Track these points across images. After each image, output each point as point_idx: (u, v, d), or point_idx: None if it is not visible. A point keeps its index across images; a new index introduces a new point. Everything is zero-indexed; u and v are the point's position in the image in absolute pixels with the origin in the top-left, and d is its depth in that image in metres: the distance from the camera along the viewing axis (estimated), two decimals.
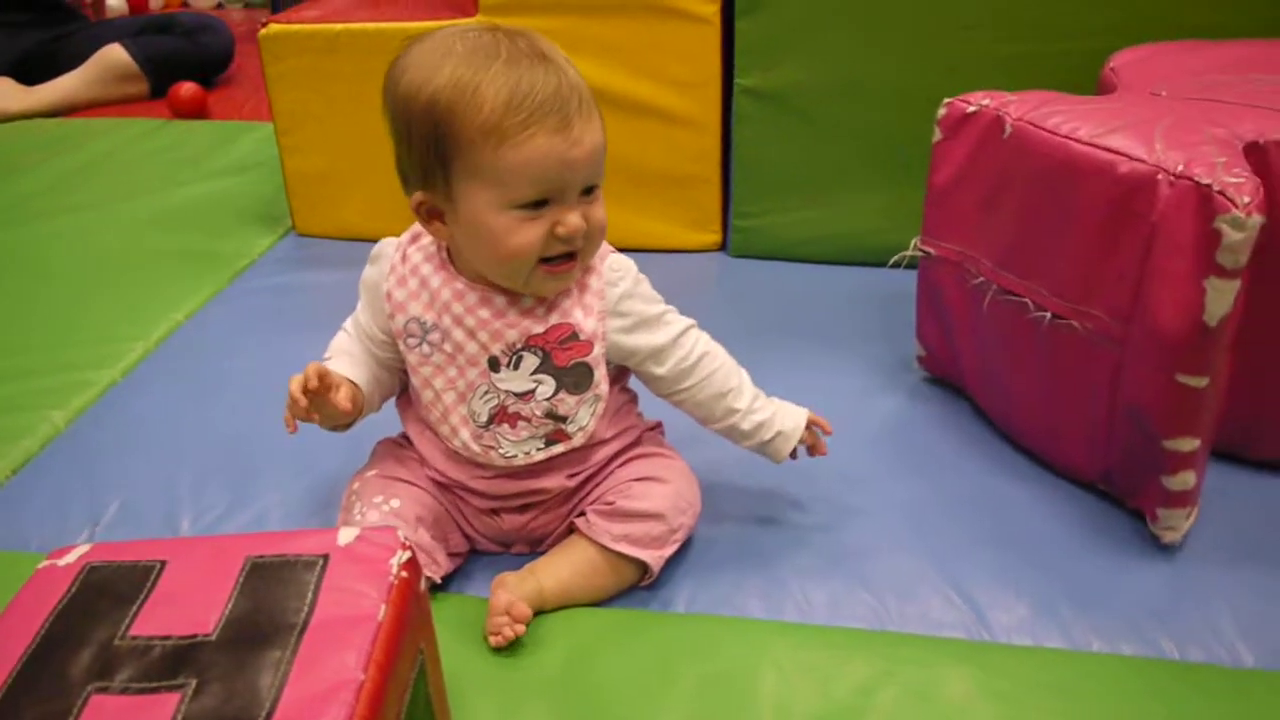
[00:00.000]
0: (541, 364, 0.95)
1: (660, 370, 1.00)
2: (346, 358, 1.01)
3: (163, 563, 0.74)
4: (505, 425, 0.97)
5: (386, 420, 1.07)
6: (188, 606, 0.70)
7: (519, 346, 0.95)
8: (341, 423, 0.99)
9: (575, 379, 0.96)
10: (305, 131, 1.74)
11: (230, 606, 0.69)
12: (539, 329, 0.95)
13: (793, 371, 1.35)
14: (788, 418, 1.04)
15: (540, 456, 0.98)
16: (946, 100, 1.17)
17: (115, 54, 2.66)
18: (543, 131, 0.85)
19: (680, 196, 1.69)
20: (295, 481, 1.17)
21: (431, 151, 0.88)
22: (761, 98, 1.57)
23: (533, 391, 0.96)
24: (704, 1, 1.54)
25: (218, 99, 2.67)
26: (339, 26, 1.66)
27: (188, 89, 2.55)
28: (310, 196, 1.80)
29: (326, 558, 0.73)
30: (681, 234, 1.72)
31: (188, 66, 2.73)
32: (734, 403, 1.02)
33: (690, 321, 1.02)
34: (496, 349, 0.95)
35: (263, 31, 1.70)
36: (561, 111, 0.86)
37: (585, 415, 0.97)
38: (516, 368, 0.95)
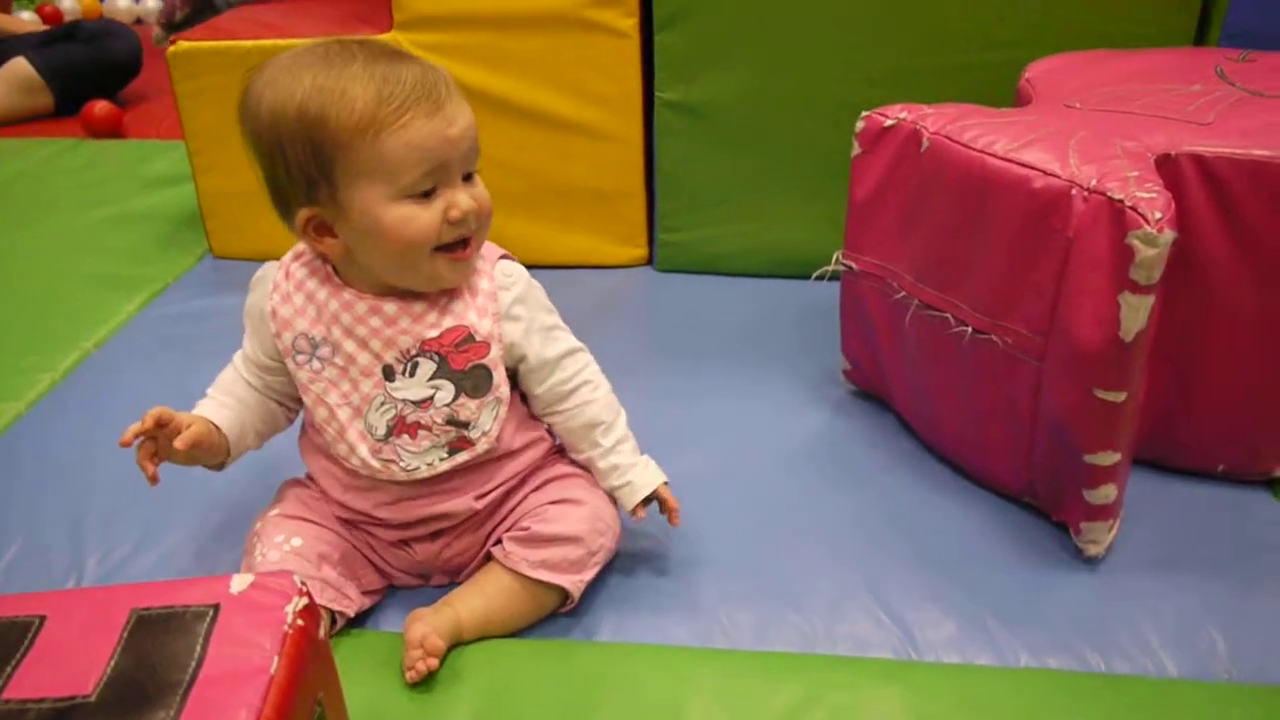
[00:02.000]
0: (438, 369, 0.94)
1: (537, 389, 1.00)
2: (218, 399, 0.99)
3: (41, 618, 0.70)
4: (405, 436, 0.95)
5: (295, 459, 1.04)
6: (66, 665, 0.66)
7: (414, 353, 0.93)
8: (206, 463, 0.97)
9: (474, 382, 0.94)
10: (219, 151, 1.70)
11: (112, 664, 0.66)
12: (433, 333, 0.93)
13: (718, 386, 1.37)
14: (644, 473, 1.02)
15: (444, 466, 0.96)
16: (864, 114, 1.17)
17: (19, 68, 2.59)
18: (418, 116, 0.86)
19: (604, 211, 1.67)
20: (207, 518, 1.14)
21: (311, 161, 0.87)
22: (683, 111, 1.56)
23: (431, 398, 0.94)
24: (622, 15, 1.53)
25: (133, 117, 2.60)
26: (249, 43, 1.61)
27: (101, 107, 2.47)
28: (226, 217, 1.75)
29: (217, 607, 0.69)
30: (607, 249, 1.70)
31: (93, 75, 2.66)
32: (600, 438, 1.01)
33: (579, 345, 1.02)
34: (390, 357, 0.93)
35: (171, 49, 1.65)
36: (431, 95, 0.87)
37: (488, 419, 0.96)
38: (412, 375, 0.93)
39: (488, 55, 1.56)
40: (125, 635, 0.68)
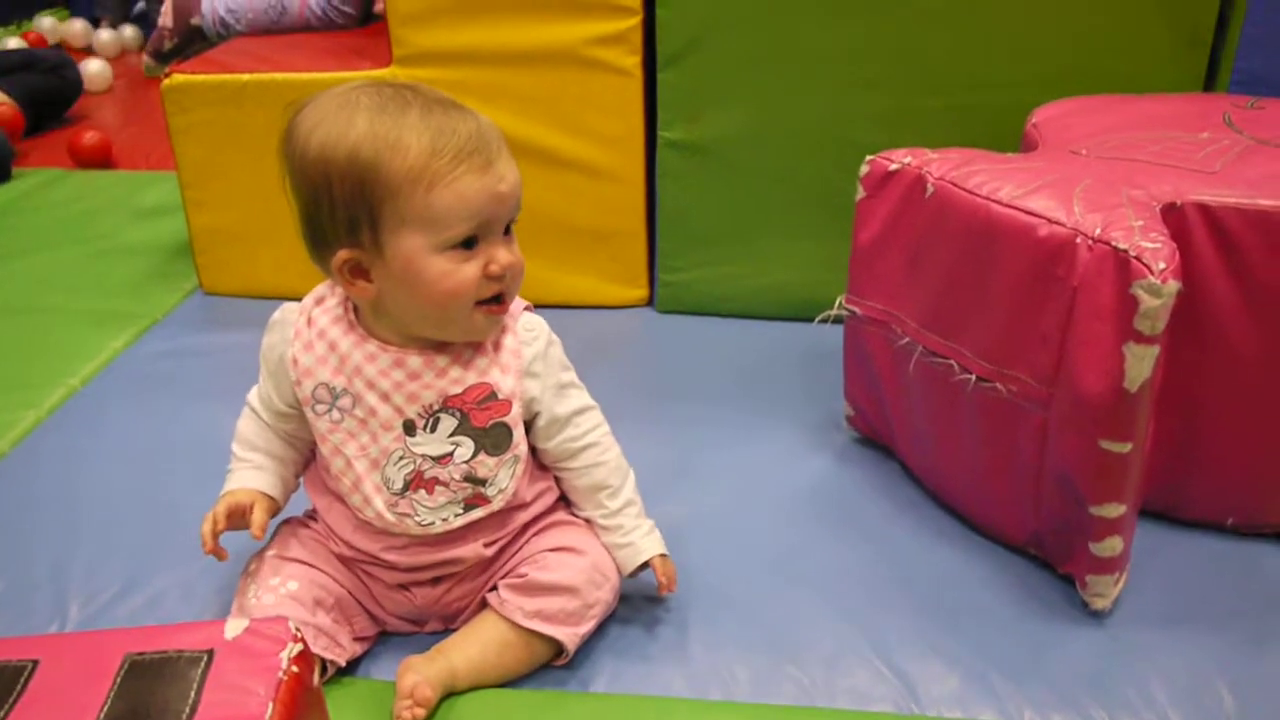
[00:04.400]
0: (459, 425, 0.94)
1: (545, 445, 1.00)
2: (253, 460, 1.01)
3: (34, 662, 0.71)
4: (422, 491, 0.95)
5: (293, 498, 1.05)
6: (60, 711, 0.67)
7: (436, 408, 0.93)
8: None
9: (494, 440, 0.95)
10: (212, 185, 1.70)
11: (106, 710, 0.66)
12: (456, 389, 0.93)
13: (719, 430, 1.37)
14: (647, 538, 1.02)
15: (459, 523, 0.96)
16: (869, 158, 1.17)
17: None
18: (470, 171, 0.87)
19: (605, 251, 1.68)
20: (194, 560, 1.10)
21: (357, 204, 0.88)
22: (686, 150, 1.57)
23: (450, 454, 0.94)
24: (626, 54, 1.54)
25: (122, 146, 2.59)
26: (246, 77, 1.62)
27: (90, 137, 2.47)
28: (217, 253, 1.75)
29: (211, 653, 0.70)
30: (607, 289, 1.71)
31: (60, 104, 2.78)
32: (605, 500, 1.02)
33: (591, 404, 1.02)
34: (412, 411, 0.93)
35: (166, 82, 1.65)
36: (484, 151, 0.89)
37: (505, 477, 0.96)
38: (433, 430, 0.94)
39: (488, 92, 1.56)
40: (119, 680, 0.68)
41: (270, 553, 0.99)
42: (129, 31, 3.66)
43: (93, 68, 3.12)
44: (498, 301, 0.93)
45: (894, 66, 1.47)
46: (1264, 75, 1.41)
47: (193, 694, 0.66)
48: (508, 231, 0.93)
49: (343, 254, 0.90)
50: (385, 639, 1.02)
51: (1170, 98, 1.32)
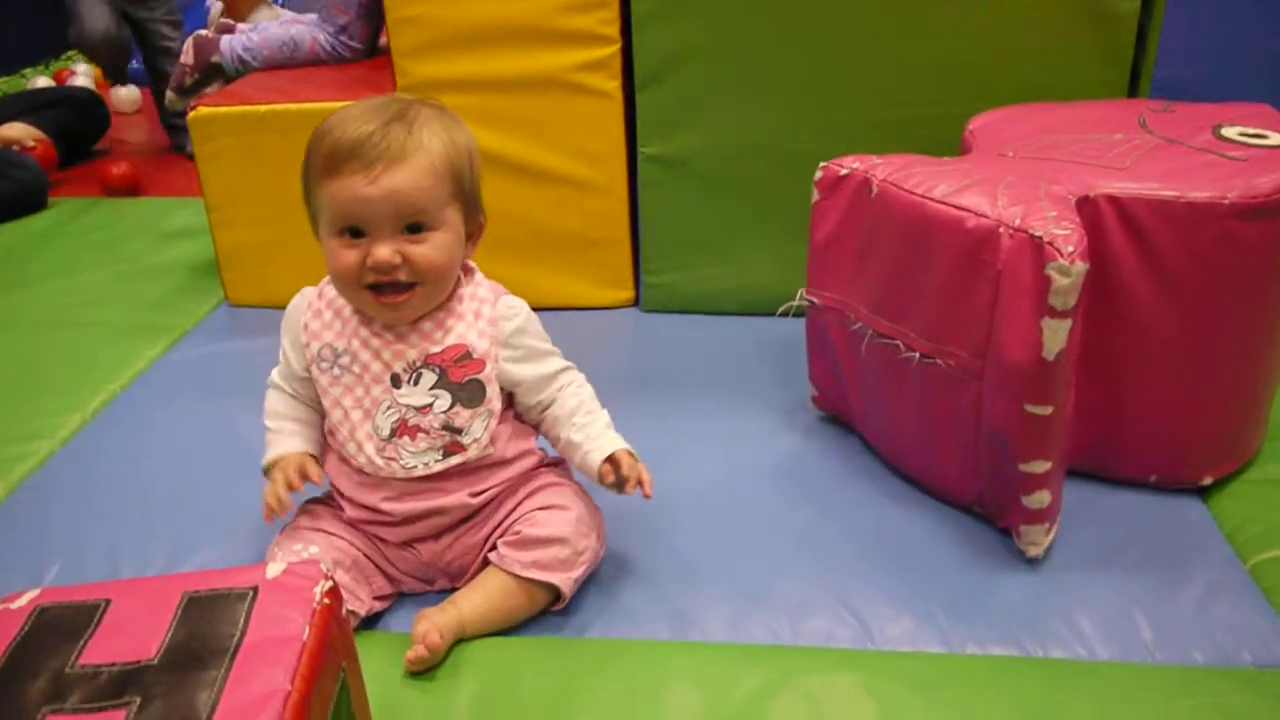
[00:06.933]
0: (439, 380, 1.07)
1: (530, 401, 1.12)
2: (288, 428, 1.13)
3: (107, 601, 0.81)
4: (405, 438, 1.07)
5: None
6: (131, 637, 0.77)
7: (419, 364, 1.07)
8: None
9: (469, 394, 1.07)
10: (235, 207, 1.82)
11: (170, 634, 0.76)
12: (436, 349, 1.07)
13: (700, 413, 1.48)
14: (611, 439, 1.10)
15: (439, 467, 1.08)
16: (822, 164, 1.28)
17: (26, 130, 2.73)
18: (344, 173, 1.00)
19: (593, 257, 1.79)
20: (230, 538, 1.24)
21: (307, 188, 1.06)
22: (663, 164, 1.68)
23: (430, 405, 1.07)
24: (607, 78, 1.66)
25: (148, 175, 2.71)
26: (264, 108, 1.75)
27: (120, 167, 2.59)
28: (241, 268, 1.87)
29: (256, 589, 0.80)
30: (597, 292, 1.82)
31: (90, 137, 2.96)
32: (577, 419, 1.11)
33: (568, 365, 1.14)
34: (398, 367, 1.07)
35: (193, 114, 1.78)
36: (364, 156, 0.99)
37: (479, 428, 1.08)
38: (416, 384, 1.07)
39: (484, 116, 1.68)
40: (179, 612, 0.78)
41: (292, 526, 1.12)
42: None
43: (121, 94, 3.39)
44: (389, 290, 1.03)
45: (849, 84, 1.58)
46: (1180, 83, 1.53)
47: (242, 621, 0.76)
48: (417, 230, 1.02)
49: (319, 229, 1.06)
50: (403, 599, 1.13)
51: (1092, 104, 1.43)
